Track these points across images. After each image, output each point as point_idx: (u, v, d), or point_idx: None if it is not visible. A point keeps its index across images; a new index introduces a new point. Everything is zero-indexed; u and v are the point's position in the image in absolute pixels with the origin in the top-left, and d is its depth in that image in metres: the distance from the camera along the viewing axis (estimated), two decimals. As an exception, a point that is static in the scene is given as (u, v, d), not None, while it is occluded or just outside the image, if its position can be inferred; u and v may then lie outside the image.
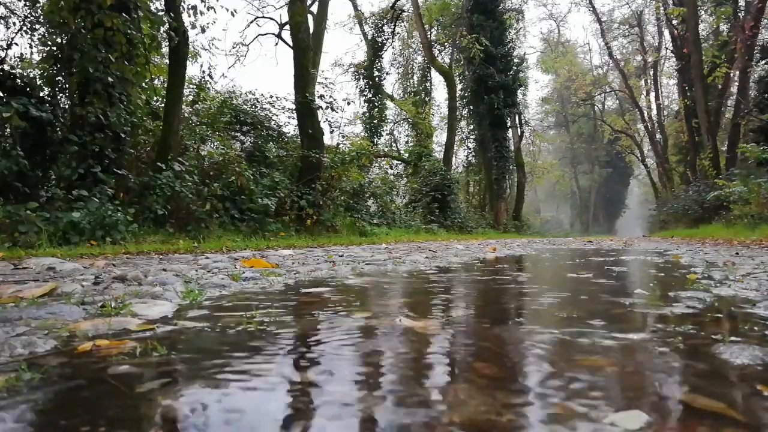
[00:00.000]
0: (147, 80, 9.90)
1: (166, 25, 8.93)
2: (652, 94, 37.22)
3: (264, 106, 14.32)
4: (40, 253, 5.09)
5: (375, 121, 27.16)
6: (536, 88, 62.89)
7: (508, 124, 29.05)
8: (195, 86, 13.61)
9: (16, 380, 0.97)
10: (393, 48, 30.92)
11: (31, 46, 8.71)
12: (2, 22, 8.66)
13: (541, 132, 50.65)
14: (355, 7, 28.90)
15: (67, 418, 0.80)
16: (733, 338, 1.34)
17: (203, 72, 14.16)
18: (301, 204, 11.41)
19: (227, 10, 11.13)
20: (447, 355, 1.24)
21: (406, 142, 30.02)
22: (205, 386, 0.95)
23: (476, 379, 1.00)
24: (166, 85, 10.45)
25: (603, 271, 3.67)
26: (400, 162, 27.23)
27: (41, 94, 7.80)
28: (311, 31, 14.87)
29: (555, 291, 2.53)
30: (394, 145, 30.68)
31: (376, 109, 27.39)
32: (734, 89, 23.27)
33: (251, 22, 24.44)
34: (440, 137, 32.03)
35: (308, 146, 12.25)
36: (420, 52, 30.12)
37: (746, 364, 1.09)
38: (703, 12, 25.13)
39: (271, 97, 14.51)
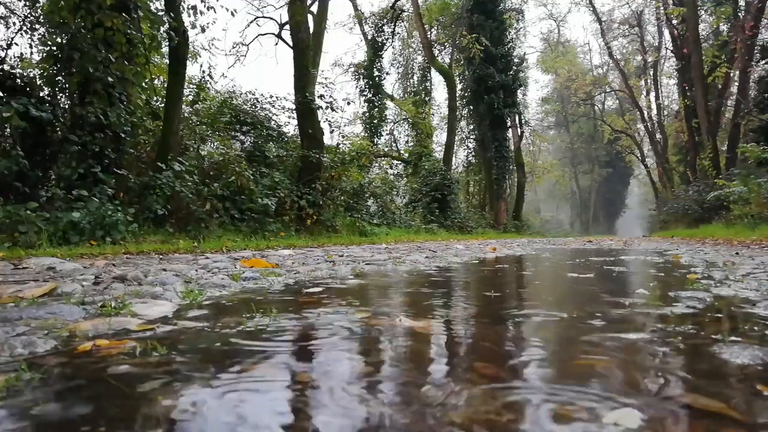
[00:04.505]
0: (147, 80, 9.89)
1: (166, 25, 8.93)
2: (652, 94, 37.30)
3: (264, 106, 14.31)
4: (40, 253, 5.08)
5: (375, 121, 27.13)
6: (536, 88, 62.96)
7: (508, 124, 29.05)
8: (195, 86, 13.59)
9: (16, 380, 0.97)
10: (393, 48, 30.93)
11: (31, 46, 8.71)
12: (2, 22, 8.67)
13: (541, 132, 50.66)
14: (355, 7, 28.92)
15: (67, 418, 0.80)
16: (733, 338, 1.34)
17: (203, 72, 14.11)
18: (301, 204, 11.41)
19: (227, 10, 11.16)
20: (447, 354, 1.24)
21: (406, 142, 30.01)
22: (205, 386, 0.95)
23: (476, 379, 1.00)
24: (166, 85, 10.44)
25: (603, 271, 3.67)
26: (400, 162, 27.22)
27: (41, 94, 7.79)
28: (311, 31, 14.87)
29: (555, 291, 2.53)
30: (394, 145, 30.65)
31: (376, 109, 27.36)
32: (734, 89, 23.27)
33: (251, 22, 24.49)
34: (440, 137, 32.07)
35: (308, 146, 12.25)
36: (420, 52, 30.11)
37: (746, 364, 1.09)
38: (703, 12, 25.14)
39: (271, 97, 14.52)
